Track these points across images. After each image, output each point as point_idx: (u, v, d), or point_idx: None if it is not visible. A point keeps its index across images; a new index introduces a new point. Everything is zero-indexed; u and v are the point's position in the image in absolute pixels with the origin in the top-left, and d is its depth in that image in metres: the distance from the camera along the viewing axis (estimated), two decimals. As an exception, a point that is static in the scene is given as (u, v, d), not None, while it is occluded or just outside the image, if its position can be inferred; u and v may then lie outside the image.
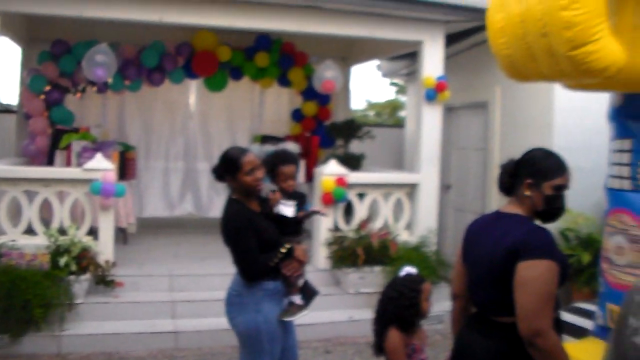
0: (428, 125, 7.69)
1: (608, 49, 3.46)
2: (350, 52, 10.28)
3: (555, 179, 2.75)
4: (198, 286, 6.81)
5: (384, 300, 3.51)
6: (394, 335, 3.38)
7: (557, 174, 2.76)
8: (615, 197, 4.37)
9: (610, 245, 4.40)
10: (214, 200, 9.90)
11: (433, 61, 7.60)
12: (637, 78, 3.74)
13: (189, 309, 6.44)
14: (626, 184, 4.26)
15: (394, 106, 23.48)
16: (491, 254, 2.70)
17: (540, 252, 2.55)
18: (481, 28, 7.72)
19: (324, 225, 7.22)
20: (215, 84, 9.11)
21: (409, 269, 3.59)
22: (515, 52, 3.89)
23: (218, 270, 6.82)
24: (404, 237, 7.54)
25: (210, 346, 6.05)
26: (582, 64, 3.47)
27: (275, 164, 4.02)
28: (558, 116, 7.27)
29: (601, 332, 4.46)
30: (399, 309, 3.41)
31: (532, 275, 2.52)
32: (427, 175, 7.71)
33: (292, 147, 8.36)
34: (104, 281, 6.34)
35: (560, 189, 2.77)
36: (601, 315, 4.48)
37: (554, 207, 2.79)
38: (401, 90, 21.53)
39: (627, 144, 4.26)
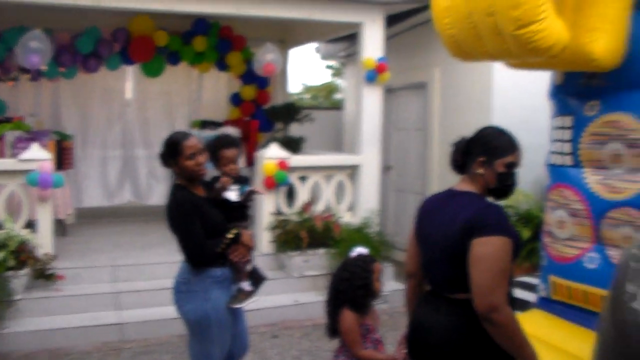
0: (369, 106, 7.74)
1: (553, 28, 3.55)
2: (289, 35, 10.23)
3: (507, 156, 2.80)
4: (142, 276, 6.71)
5: (336, 282, 3.52)
6: (348, 316, 3.40)
7: (509, 151, 2.82)
8: (557, 173, 4.50)
9: (552, 219, 4.53)
10: (154, 187, 9.78)
11: (373, 43, 7.63)
12: (578, 57, 3.84)
13: (134, 300, 6.35)
14: (567, 160, 4.38)
15: (329, 89, 23.53)
16: (446, 231, 2.73)
17: (494, 229, 2.58)
18: (421, 9, 7.83)
19: (266, 210, 7.21)
20: (152, 70, 8.96)
21: (360, 250, 3.62)
22: (461, 32, 3.93)
23: (161, 258, 6.76)
24: (347, 218, 7.59)
25: (157, 336, 5.99)
26: (528, 42, 3.54)
27: (217, 148, 3.99)
28: (497, 96, 7.43)
29: (544, 303, 4.60)
30: (352, 290, 3.43)
31: (487, 252, 2.55)
32: (368, 157, 7.77)
33: (231, 131, 8.30)
34: (43, 275, 6.18)
35: (512, 166, 2.82)
36: (544, 288, 4.62)
37: (506, 184, 2.84)
38: (337, 72, 21.58)
39: (567, 120, 4.38)
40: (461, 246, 2.62)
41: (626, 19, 3.87)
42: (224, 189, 3.86)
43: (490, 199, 2.82)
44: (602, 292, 4.06)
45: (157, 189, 9.64)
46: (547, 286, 4.56)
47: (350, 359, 3.41)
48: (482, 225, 2.59)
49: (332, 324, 3.49)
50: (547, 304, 4.55)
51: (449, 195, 2.88)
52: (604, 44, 3.81)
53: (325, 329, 3.58)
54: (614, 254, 4.04)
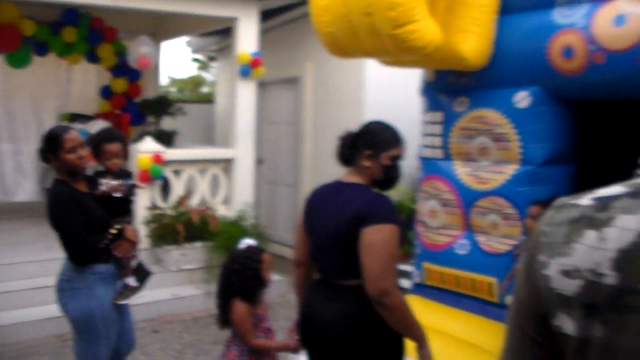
0: (243, 100, 7.79)
1: (426, 29, 3.76)
2: (161, 27, 10.08)
3: (392, 150, 2.96)
4: (12, 275, 6.39)
5: (226, 274, 3.57)
6: (239, 307, 3.46)
7: (394, 145, 2.98)
8: (428, 165, 4.76)
9: (425, 209, 4.79)
10: (21, 183, 9.29)
11: (248, 37, 7.68)
12: (450, 56, 4.09)
13: (5, 301, 6.02)
14: (438, 153, 4.66)
15: (196, 82, 23.28)
16: (336, 221, 2.85)
17: (383, 218, 2.73)
18: (295, 5, 7.96)
19: (141, 204, 7.09)
20: (18, 60, 8.52)
21: (248, 241, 3.68)
22: (339, 30, 4.08)
23: (33, 257, 6.50)
24: (222, 212, 7.62)
25: (33, 339, 5.72)
26: (404, 42, 3.74)
27: (99, 142, 3.92)
28: (368, 91, 7.68)
29: (418, 289, 4.86)
30: (242, 281, 3.49)
31: (377, 239, 2.69)
32: (242, 150, 7.83)
33: (102, 125, 8.08)
34: None
35: (397, 159, 3.00)
36: (418, 274, 4.88)
37: (391, 176, 3.01)
38: (203, 66, 21.41)
39: (438, 116, 4.65)
40: (351, 235, 2.75)
41: (493, 23, 4.17)
42: (110, 192, 3.81)
43: (376, 190, 2.98)
44: (472, 275, 4.37)
45: (25, 185, 9.19)
46: (421, 272, 4.83)
47: (242, 349, 3.47)
48: (372, 214, 2.73)
49: (223, 315, 3.54)
50: (422, 289, 4.82)
51: (337, 186, 3.00)
52: (472, 44, 4.08)
53: (216, 320, 3.62)
54: (482, 240, 4.36)
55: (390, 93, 7.55)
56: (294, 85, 9.05)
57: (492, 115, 4.25)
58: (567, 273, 0.86)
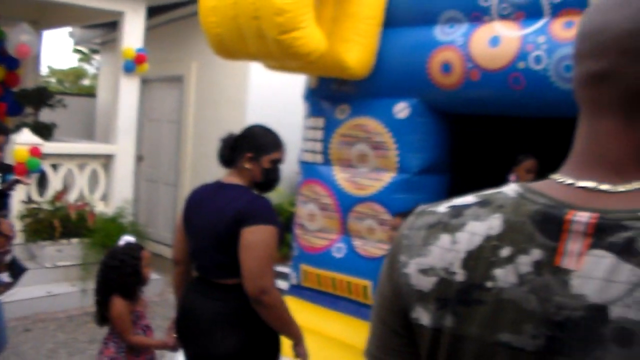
0: (125, 96, 7.65)
1: (312, 36, 3.86)
2: (43, 16, 9.69)
3: (272, 153, 3.05)
4: None
5: (105, 270, 3.52)
6: (118, 303, 3.42)
7: (275, 149, 3.07)
8: (308, 170, 4.86)
9: (303, 212, 4.89)
10: None
11: (133, 33, 7.55)
12: (334, 64, 4.21)
13: None
14: (318, 158, 4.76)
15: (77, 74, 22.54)
16: (216, 221, 2.89)
17: (262, 219, 2.81)
18: (182, 4, 7.88)
19: (16, 197, 6.80)
20: None
21: (127, 238, 3.66)
22: (226, 31, 4.11)
23: None
24: (101, 208, 7.44)
25: None
26: (289, 47, 3.82)
27: None
28: (252, 94, 7.73)
29: (295, 290, 4.95)
30: (121, 277, 3.46)
31: (256, 239, 2.77)
32: (123, 147, 7.68)
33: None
34: None
35: (277, 162, 3.08)
36: (295, 276, 4.97)
37: (271, 179, 3.09)
38: (85, 58, 20.75)
39: (320, 121, 4.76)
40: (231, 235, 2.80)
41: (377, 35, 4.32)
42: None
43: (256, 192, 3.04)
44: (348, 278, 4.50)
45: None
46: (298, 274, 4.92)
47: (120, 346, 3.43)
48: (252, 215, 2.80)
49: (102, 312, 3.49)
50: (298, 291, 4.91)
51: (218, 187, 3.04)
52: (356, 54, 4.22)
53: (94, 316, 3.56)
54: (359, 244, 4.50)
55: (273, 96, 7.64)
56: (177, 83, 8.97)
57: (372, 124, 4.40)
58: (424, 271, 0.96)
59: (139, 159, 9.40)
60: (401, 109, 4.31)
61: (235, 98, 7.90)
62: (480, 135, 5.22)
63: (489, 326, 0.88)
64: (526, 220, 0.90)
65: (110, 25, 8.51)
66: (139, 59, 7.46)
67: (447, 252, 0.94)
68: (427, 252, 0.97)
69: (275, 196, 7.43)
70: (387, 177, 4.35)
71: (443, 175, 4.49)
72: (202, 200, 3.05)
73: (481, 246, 0.91)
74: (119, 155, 7.64)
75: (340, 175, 4.61)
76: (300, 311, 4.69)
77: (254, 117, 7.39)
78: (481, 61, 3.91)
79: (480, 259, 0.91)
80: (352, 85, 4.52)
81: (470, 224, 0.94)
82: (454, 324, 0.92)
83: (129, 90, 7.67)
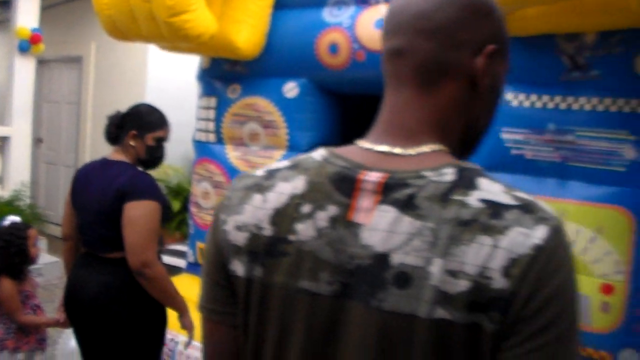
0: (20, 77, 7.51)
1: (202, 18, 3.92)
2: None
3: (157, 131, 3.15)
4: None
5: None
6: (6, 284, 3.43)
7: (159, 127, 3.17)
8: (202, 149, 4.94)
9: (198, 191, 4.97)
10: None
11: (28, 12, 7.40)
12: (224, 45, 4.28)
13: None
14: (211, 137, 4.85)
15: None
16: (101, 196, 2.97)
17: (144, 194, 2.92)
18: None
19: None
20: None
21: (12, 218, 3.65)
22: (118, 14, 4.11)
23: None
24: (-5, 191, 7.29)
25: None
26: (180, 30, 3.87)
27: None
28: (151, 74, 7.71)
29: (192, 268, 5.03)
30: (8, 257, 3.46)
31: (139, 214, 2.87)
32: (19, 129, 7.54)
33: None
34: None
35: (161, 140, 3.19)
36: (192, 254, 5.05)
37: (155, 156, 3.19)
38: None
39: (212, 101, 4.84)
40: (115, 209, 2.89)
41: (267, 16, 4.42)
42: None
43: (141, 169, 3.13)
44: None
45: None
46: (195, 252, 5.00)
47: (9, 326, 3.44)
48: (135, 190, 2.90)
49: None
50: (195, 268, 4.99)
51: (103, 163, 3.12)
52: (246, 35, 4.31)
53: None
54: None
55: (172, 76, 7.64)
56: (76, 64, 8.82)
57: (263, 103, 4.52)
58: (239, 228, 1.08)
59: (38, 141, 9.21)
60: (290, 89, 4.44)
61: (134, 78, 7.86)
62: (369, 114, 5.42)
63: (292, 275, 1.02)
64: (325, 180, 1.03)
65: (3, 3, 8.25)
66: (34, 39, 7.32)
67: (258, 210, 1.07)
68: (242, 211, 1.09)
69: (174, 176, 7.47)
70: (278, 155, 4.48)
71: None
72: (88, 177, 3.12)
73: (286, 204, 1.04)
74: (14, 138, 7.49)
75: (232, 154, 4.72)
76: (196, 287, 4.80)
77: (153, 96, 7.36)
78: (367, 42, 4.07)
79: (285, 216, 1.04)
80: (244, 66, 4.61)
81: (279, 185, 1.07)
82: (262, 274, 1.04)
83: (25, 71, 7.51)
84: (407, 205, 0.95)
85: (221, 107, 4.77)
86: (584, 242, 3.56)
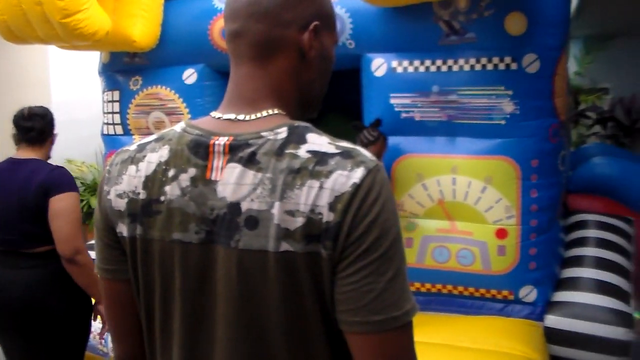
0: None
1: (95, 16, 3.97)
2: None
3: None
4: None
5: None
6: None
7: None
8: (111, 142, 5.01)
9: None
10: None
11: None
12: (121, 40, 4.33)
13: None
14: (118, 130, 4.92)
15: None
16: (21, 194, 3.09)
17: (66, 187, 3.11)
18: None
19: None
20: None
21: None
22: (11, 18, 4.10)
23: None
24: None
25: None
26: (74, 29, 3.91)
27: None
28: (54, 72, 7.62)
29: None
30: None
31: (65, 206, 3.06)
32: None
33: None
34: None
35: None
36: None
37: None
38: None
39: (116, 94, 4.90)
40: (40, 205, 3.05)
41: (160, 7, 4.50)
42: None
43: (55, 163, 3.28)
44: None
45: None
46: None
47: None
48: (58, 184, 3.10)
49: None
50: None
51: (14, 162, 3.23)
52: (141, 28, 4.38)
53: None
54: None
55: (77, 73, 7.57)
56: (-25, 68, 8.60)
57: (164, 92, 4.62)
58: (120, 195, 1.26)
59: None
60: (189, 75, 4.56)
61: (37, 78, 7.75)
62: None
63: (165, 229, 1.21)
64: (184, 147, 1.22)
65: None
66: None
67: (133, 179, 1.25)
68: (121, 181, 1.27)
69: (89, 173, 7.47)
70: (184, 140, 4.59)
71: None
72: (1, 178, 3.21)
73: (155, 170, 1.23)
74: None
75: (140, 144, 4.80)
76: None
77: (59, 95, 7.34)
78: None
79: (155, 180, 1.22)
80: (143, 57, 4.69)
81: (148, 155, 1.26)
82: (142, 231, 1.23)
83: None
84: (250, 161, 1.14)
85: (125, 100, 4.85)
86: (476, 193, 3.85)
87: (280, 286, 1.12)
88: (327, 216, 1.08)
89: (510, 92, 3.70)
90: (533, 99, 3.71)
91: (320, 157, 1.12)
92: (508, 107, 3.71)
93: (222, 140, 1.18)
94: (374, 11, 3.91)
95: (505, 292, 3.91)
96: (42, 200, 3.05)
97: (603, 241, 4.21)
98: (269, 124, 1.19)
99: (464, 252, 3.90)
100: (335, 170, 1.10)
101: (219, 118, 1.25)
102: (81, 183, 7.39)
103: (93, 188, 7.35)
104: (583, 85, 9.76)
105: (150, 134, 4.79)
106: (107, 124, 5.02)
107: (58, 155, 7.30)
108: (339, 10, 3.99)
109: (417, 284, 4.00)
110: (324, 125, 4.99)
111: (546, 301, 3.86)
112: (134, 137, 4.84)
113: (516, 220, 3.80)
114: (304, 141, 1.15)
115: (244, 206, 1.13)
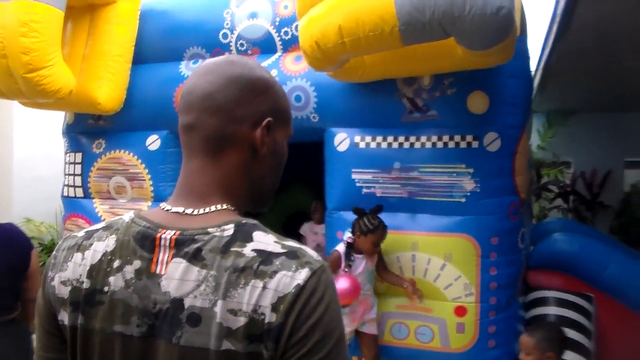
0: None
1: (60, 74, 3.96)
2: None
3: None
4: None
5: None
6: None
7: None
8: (70, 204, 4.94)
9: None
10: None
11: None
12: (85, 101, 4.32)
13: None
14: (79, 192, 4.86)
15: None
16: None
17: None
18: None
19: None
20: None
21: None
22: (-24, 70, 4.10)
23: None
24: None
25: None
26: (37, 85, 3.90)
27: None
28: (18, 127, 7.54)
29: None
30: None
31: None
32: None
33: None
34: None
35: None
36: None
37: None
38: None
39: (78, 156, 4.86)
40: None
41: (127, 71, 4.51)
42: None
43: None
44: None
45: None
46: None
47: None
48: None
49: None
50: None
51: None
52: (107, 91, 4.38)
53: None
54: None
55: (41, 130, 7.50)
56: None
57: (127, 157, 4.60)
58: (64, 283, 1.23)
59: None
60: (152, 141, 4.54)
61: (0, 133, 7.66)
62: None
63: (107, 320, 1.18)
64: (131, 239, 1.20)
65: None
66: None
67: (78, 267, 1.22)
68: (66, 268, 1.24)
69: (47, 233, 7.33)
70: (145, 207, 4.56)
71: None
72: None
73: (100, 260, 1.21)
74: None
75: (100, 207, 4.75)
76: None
77: (22, 151, 7.25)
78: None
79: (100, 270, 1.20)
80: (107, 120, 4.68)
81: (95, 243, 1.24)
82: (84, 321, 1.20)
83: None
84: (195, 257, 1.13)
85: (87, 162, 4.81)
86: (435, 270, 3.84)
87: None
88: (270, 317, 1.07)
89: (471, 170, 3.74)
90: (493, 177, 3.76)
91: (265, 257, 1.12)
92: (469, 184, 3.75)
93: (169, 234, 1.17)
94: (339, 86, 3.97)
95: (464, 370, 3.87)
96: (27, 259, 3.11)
97: (563, 319, 4.22)
98: (217, 220, 1.18)
99: (422, 329, 3.88)
100: (280, 271, 1.10)
101: (167, 210, 1.23)
102: (39, 243, 7.25)
103: (50, 249, 7.19)
104: (545, 159, 9.95)
105: (112, 198, 4.80)
106: (68, 185, 4.96)
107: (18, 213, 7.23)
108: (304, 83, 4.04)
109: (377, 360, 3.95)
110: (289, 197, 5.01)
111: (505, 380, 3.84)
112: (94, 200, 4.79)
113: (475, 297, 3.80)
114: (250, 239, 1.15)
115: (187, 302, 1.11)
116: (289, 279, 1.09)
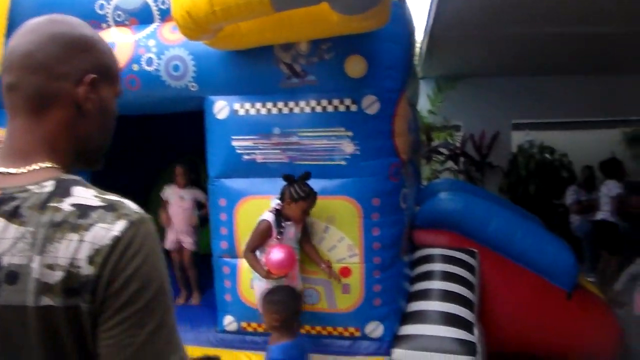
0: None
1: None
2: None
3: None
4: None
5: None
6: None
7: None
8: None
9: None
10: None
11: None
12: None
13: None
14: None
15: None
16: None
17: None
18: None
19: None
20: None
21: None
22: None
23: None
24: None
25: None
26: None
27: None
28: None
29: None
30: None
31: None
32: None
33: None
34: None
35: None
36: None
37: None
38: None
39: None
40: None
41: (0, 46, 4.29)
42: None
43: None
44: None
45: None
46: None
47: None
48: None
49: None
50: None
51: None
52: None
53: None
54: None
55: None
56: None
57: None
58: None
59: None
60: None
61: None
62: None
63: None
64: None
65: None
66: None
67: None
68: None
69: None
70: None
71: (84, 173, 4.64)
72: None
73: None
74: None
75: None
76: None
77: None
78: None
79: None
80: None
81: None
82: None
83: None
84: (13, 215, 1.12)
85: None
86: (319, 233, 3.91)
87: (42, 342, 1.08)
88: (86, 269, 1.06)
89: (350, 133, 3.80)
90: (373, 139, 3.83)
91: (83, 211, 1.11)
92: (348, 147, 3.81)
93: None
94: (217, 54, 3.92)
95: (351, 329, 3.97)
96: None
97: (448, 274, 4.37)
98: (37, 178, 1.16)
99: (309, 291, 3.94)
100: (97, 224, 1.09)
101: None
102: None
103: None
104: (436, 123, 10.23)
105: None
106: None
107: None
108: (182, 52, 3.98)
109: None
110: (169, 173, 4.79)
111: (393, 336, 3.95)
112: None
113: (359, 258, 3.88)
114: (68, 194, 1.13)
115: (5, 261, 1.09)
116: (105, 231, 1.09)
